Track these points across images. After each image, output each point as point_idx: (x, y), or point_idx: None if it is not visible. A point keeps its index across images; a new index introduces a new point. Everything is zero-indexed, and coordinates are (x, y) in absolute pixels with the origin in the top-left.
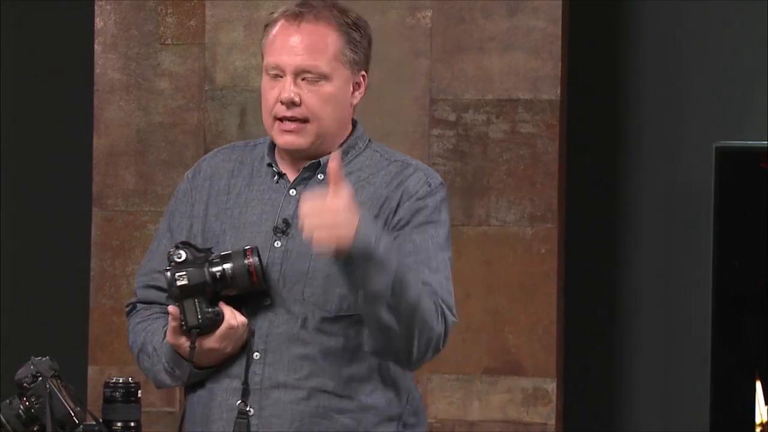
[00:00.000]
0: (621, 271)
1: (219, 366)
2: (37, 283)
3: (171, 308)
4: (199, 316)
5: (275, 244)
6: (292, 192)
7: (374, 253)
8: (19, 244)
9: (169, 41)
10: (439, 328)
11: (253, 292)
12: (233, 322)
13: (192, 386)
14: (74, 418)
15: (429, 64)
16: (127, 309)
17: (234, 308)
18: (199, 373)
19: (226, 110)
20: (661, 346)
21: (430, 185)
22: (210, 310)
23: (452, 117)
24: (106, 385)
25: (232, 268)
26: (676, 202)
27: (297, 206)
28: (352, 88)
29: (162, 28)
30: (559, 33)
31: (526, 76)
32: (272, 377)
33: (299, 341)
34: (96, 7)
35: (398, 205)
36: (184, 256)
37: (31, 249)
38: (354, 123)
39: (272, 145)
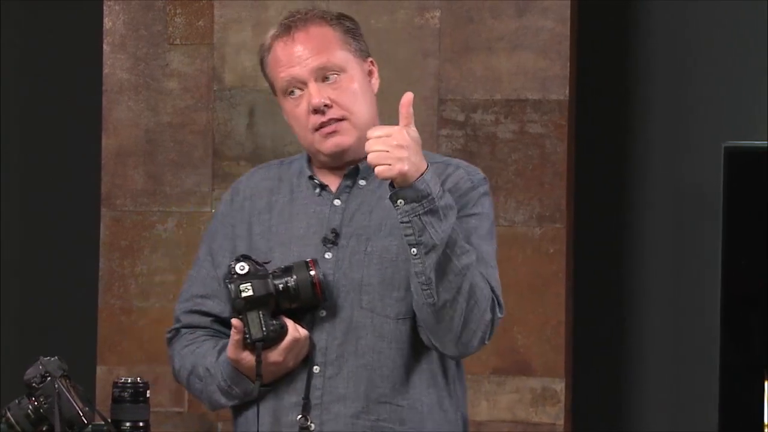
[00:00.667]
0: (629, 271)
1: (278, 382)
2: (45, 283)
3: (234, 321)
4: (264, 329)
5: (326, 256)
6: (337, 202)
7: (436, 199)
8: (28, 244)
9: (177, 41)
10: (489, 314)
11: (314, 306)
12: (297, 335)
13: (244, 404)
14: (83, 418)
15: (437, 64)
16: (169, 336)
17: (294, 321)
18: (261, 391)
19: (234, 110)
20: (670, 346)
21: (471, 181)
22: (274, 322)
23: (461, 117)
24: (115, 385)
25: (296, 281)
26: (684, 202)
27: (343, 216)
28: (368, 77)
29: (171, 29)
30: (568, 33)
31: (534, 76)
32: (332, 391)
33: (357, 352)
34: (105, 8)
35: None
36: (246, 268)
37: (39, 249)
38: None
39: (309, 159)
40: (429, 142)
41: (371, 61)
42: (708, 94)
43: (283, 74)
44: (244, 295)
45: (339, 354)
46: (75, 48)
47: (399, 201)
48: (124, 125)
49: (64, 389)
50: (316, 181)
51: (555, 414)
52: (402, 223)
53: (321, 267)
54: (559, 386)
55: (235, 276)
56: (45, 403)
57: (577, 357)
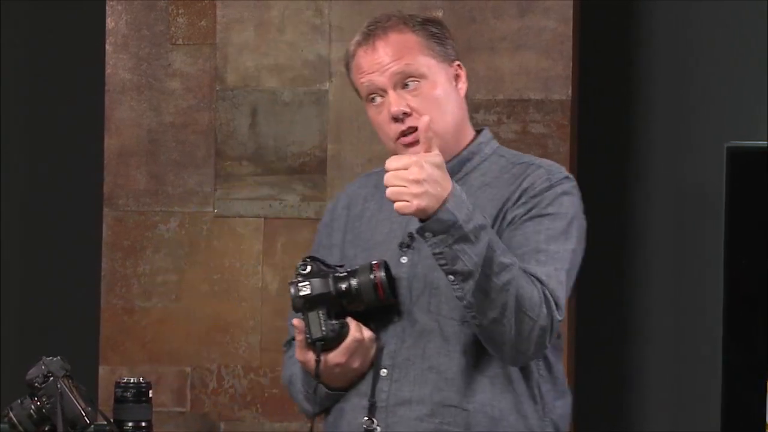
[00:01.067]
0: (631, 270)
1: (350, 385)
2: (48, 283)
3: (295, 321)
4: (323, 328)
5: (401, 260)
6: None
7: (463, 226)
8: (30, 244)
9: (180, 41)
10: (544, 318)
11: (380, 307)
12: (359, 335)
13: (327, 411)
14: (85, 418)
15: None
16: (284, 348)
17: (362, 323)
18: (332, 395)
19: (237, 110)
20: (672, 346)
21: (550, 180)
22: (335, 322)
23: None
24: (117, 385)
25: (358, 282)
26: (687, 202)
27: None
28: (454, 81)
29: (173, 29)
30: (570, 33)
31: (537, 76)
32: (398, 394)
33: (425, 355)
34: (107, 8)
35: (515, 203)
36: (309, 268)
37: (41, 249)
38: (480, 130)
39: None
40: None
41: (458, 65)
42: (710, 94)
43: (363, 81)
44: (302, 293)
45: (406, 357)
46: (77, 48)
47: (427, 234)
48: (126, 125)
49: (66, 389)
50: None
51: None
52: (434, 254)
53: (398, 271)
54: None
55: (298, 276)
56: (47, 403)
57: (579, 357)
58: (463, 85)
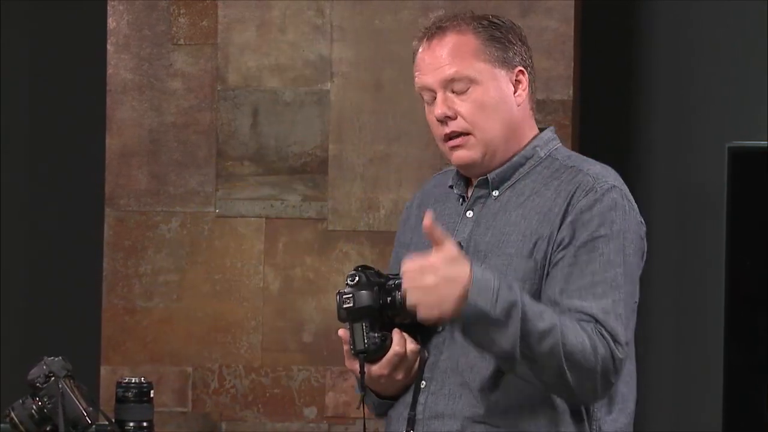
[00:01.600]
0: None
1: (398, 395)
2: (49, 283)
3: (341, 332)
4: (366, 341)
5: None
6: (469, 213)
7: (489, 315)
8: (32, 244)
9: (181, 41)
10: (602, 362)
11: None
12: (399, 349)
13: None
14: (87, 418)
15: None
16: None
17: (409, 335)
18: (383, 403)
19: (238, 110)
20: (674, 346)
21: (596, 191)
22: (377, 335)
23: None
24: (119, 385)
25: (402, 296)
26: (688, 202)
27: (472, 228)
28: (513, 87)
29: (174, 29)
30: (572, 33)
31: (538, 76)
32: (432, 407)
33: (459, 369)
34: (108, 8)
35: (562, 221)
36: (357, 278)
37: (43, 249)
38: (542, 129)
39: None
40: (433, 142)
41: (520, 70)
42: (711, 94)
43: (417, 79)
44: (345, 306)
45: (443, 370)
46: (79, 48)
47: (457, 326)
48: (127, 125)
49: (68, 389)
50: (455, 191)
51: None
52: (470, 341)
53: None
54: None
55: (346, 285)
56: (49, 403)
57: None
58: (523, 92)
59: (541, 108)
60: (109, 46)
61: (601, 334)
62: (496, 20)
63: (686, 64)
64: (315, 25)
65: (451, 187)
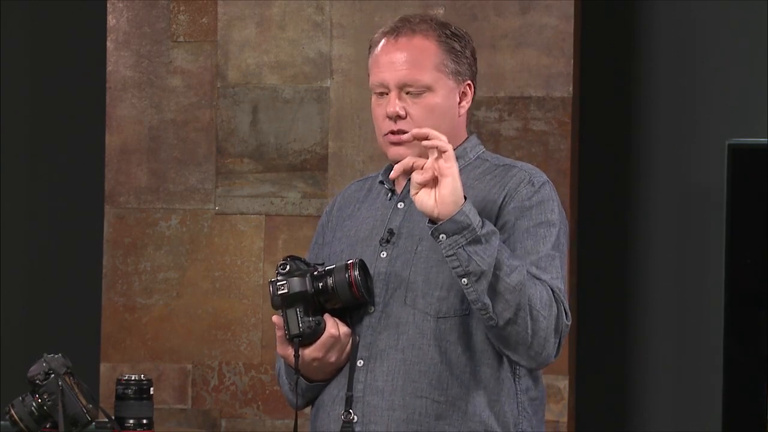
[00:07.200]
0: (633, 268)
1: (329, 378)
2: (49, 281)
3: (274, 318)
4: (300, 325)
5: (381, 255)
6: (401, 205)
7: (476, 230)
8: (32, 241)
9: (181, 39)
10: (555, 318)
11: (358, 305)
12: (334, 331)
13: (312, 402)
14: (87, 415)
15: None
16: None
17: (339, 319)
18: (312, 387)
19: (238, 107)
20: (674, 344)
21: (533, 183)
22: (311, 319)
23: None
24: (119, 382)
25: (334, 281)
26: (688, 199)
27: (403, 217)
28: (458, 98)
29: (174, 26)
30: (572, 30)
31: (538, 73)
32: (373, 384)
33: (399, 347)
34: (108, 5)
35: (501, 208)
36: (288, 267)
37: (43, 246)
38: (468, 135)
39: (390, 165)
40: None
41: (468, 84)
42: (712, 91)
43: (375, 75)
44: (279, 292)
45: (381, 348)
46: (79, 45)
47: (440, 236)
48: (127, 122)
49: (68, 386)
50: (386, 185)
51: (559, 411)
52: (447, 256)
53: (377, 266)
54: (563, 383)
55: (277, 275)
56: (49, 400)
57: (581, 355)
58: (466, 104)
59: (541, 105)
60: (108, 44)
61: (557, 298)
62: (457, 31)
63: (686, 62)
64: (315, 23)
65: (381, 182)
